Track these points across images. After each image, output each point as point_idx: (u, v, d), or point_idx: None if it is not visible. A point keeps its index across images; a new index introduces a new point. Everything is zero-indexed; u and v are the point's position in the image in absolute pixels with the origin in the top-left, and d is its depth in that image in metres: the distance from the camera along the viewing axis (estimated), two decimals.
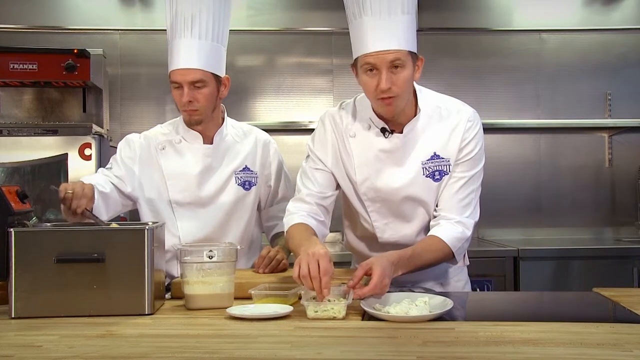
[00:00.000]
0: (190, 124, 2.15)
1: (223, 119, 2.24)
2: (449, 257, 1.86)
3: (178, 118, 2.24)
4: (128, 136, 2.25)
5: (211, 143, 2.19)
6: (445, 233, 1.83)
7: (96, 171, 2.85)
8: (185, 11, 2.04)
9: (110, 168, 2.19)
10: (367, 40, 1.72)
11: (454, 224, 1.85)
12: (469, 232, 1.87)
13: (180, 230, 2.16)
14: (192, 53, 2.03)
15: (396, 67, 1.72)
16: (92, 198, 1.88)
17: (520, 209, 4.01)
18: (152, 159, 2.19)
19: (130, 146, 2.21)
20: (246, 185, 2.21)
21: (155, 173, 2.18)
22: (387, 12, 1.71)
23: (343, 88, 3.96)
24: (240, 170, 2.21)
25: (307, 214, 1.91)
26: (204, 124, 2.15)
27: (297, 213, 1.91)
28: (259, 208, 2.31)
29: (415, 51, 1.77)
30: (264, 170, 2.27)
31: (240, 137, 2.26)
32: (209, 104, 2.10)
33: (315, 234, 1.85)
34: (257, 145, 2.27)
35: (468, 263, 2.02)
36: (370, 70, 1.74)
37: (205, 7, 2.05)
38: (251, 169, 2.23)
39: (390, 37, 1.71)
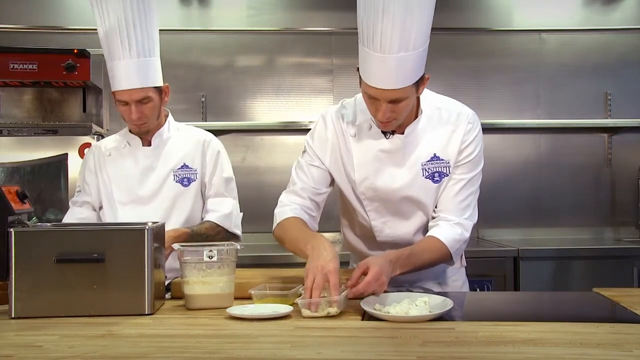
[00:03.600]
0: (140, 134, 2.31)
1: (160, 123, 2.35)
2: (447, 258, 1.86)
3: (125, 129, 2.38)
4: (85, 157, 2.41)
5: (149, 145, 2.32)
6: (444, 234, 1.83)
7: None
8: (119, 32, 2.11)
9: (80, 192, 2.37)
10: (371, 74, 1.69)
11: (453, 226, 1.85)
12: (467, 234, 1.87)
13: None
14: (134, 73, 2.14)
15: (396, 100, 1.71)
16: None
17: (520, 209, 4.01)
18: (101, 165, 2.34)
19: (86, 163, 2.38)
20: (184, 181, 2.32)
21: (105, 178, 2.33)
22: (397, 50, 1.63)
23: (343, 88, 3.96)
24: (178, 168, 2.33)
25: (300, 207, 1.92)
26: (151, 131, 2.30)
27: (289, 205, 1.92)
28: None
29: (422, 75, 1.74)
30: (202, 168, 2.37)
31: (181, 138, 2.38)
32: (154, 114, 2.25)
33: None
34: (197, 145, 2.38)
35: (465, 264, 2.02)
36: (371, 97, 1.73)
37: (137, 24, 2.12)
38: (190, 166, 2.34)
39: (393, 78, 1.66)
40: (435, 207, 1.91)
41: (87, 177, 2.35)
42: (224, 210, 2.32)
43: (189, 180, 2.33)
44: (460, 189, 1.88)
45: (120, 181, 2.30)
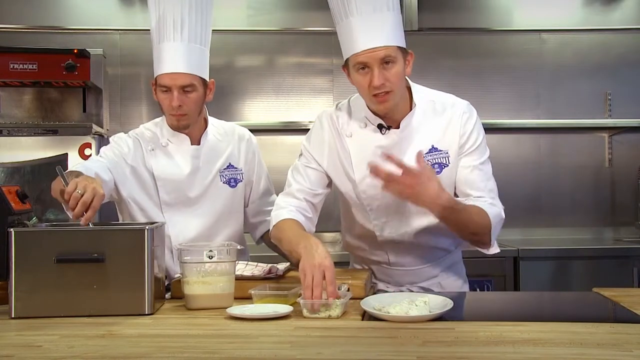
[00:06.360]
0: (178, 129, 2.13)
1: (206, 120, 2.23)
2: (485, 231, 1.82)
3: (160, 119, 2.21)
4: (120, 135, 2.21)
5: (198, 144, 2.18)
6: (487, 208, 1.82)
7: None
8: (173, 14, 2.01)
9: (102, 158, 2.12)
10: (356, 40, 1.76)
11: (490, 205, 1.84)
12: (503, 215, 1.86)
13: (171, 230, 2.13)
14: (182, 57, 2.00)
15: (387, 62, 1.75)
16: (98, 206, 1.73)
17: (520, 209, 4.00)
18: (141, 159, 2.15)
19: (122, 144, 2.16)
20: (232, 182, 2.21)
21: (145, 174, 2.15)
22: (373, 11, 1.75)
23: (343, 88, 3.95)
24: (224, 169, 2.21)
25: (296, 209, 1.91)
26: (190, 127, 2.14)
27: (286, 208, 1.92)
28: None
29: (404, 46, 1.80)
30: (247, 166, 2.27)
31: (222, 136, 2.25)
32: (196, 108, 2.09)
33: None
34: (240, 142, 2.27)
35: (498, 250, 1.95)
36: (362, 68, 1.76)
37: (193, 10, 2.03)
38: (235, 166, 2.23)
39: (378, 34, 1.74)
40: (464, 194, 1.89)
41: (119, 161, 2.11)
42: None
43: (236, 181, 2.21)
44: (480, 173, 1.90)
45: (167, 181, 2.13)
